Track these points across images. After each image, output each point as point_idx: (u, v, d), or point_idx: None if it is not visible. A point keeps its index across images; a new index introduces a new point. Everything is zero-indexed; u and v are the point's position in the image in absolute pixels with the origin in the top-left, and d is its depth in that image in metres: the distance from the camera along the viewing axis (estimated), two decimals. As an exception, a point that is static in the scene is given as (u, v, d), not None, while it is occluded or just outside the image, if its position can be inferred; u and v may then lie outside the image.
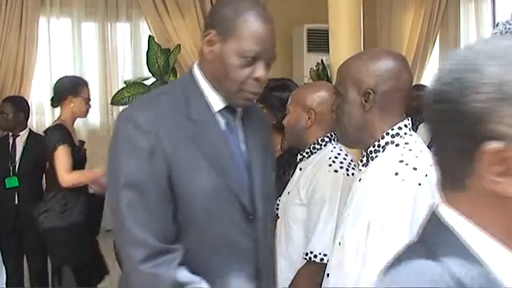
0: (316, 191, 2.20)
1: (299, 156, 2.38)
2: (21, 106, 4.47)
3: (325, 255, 2.10)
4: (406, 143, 1.71)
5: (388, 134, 1.73)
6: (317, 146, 2.32)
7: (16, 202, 4.32)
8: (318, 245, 2.13)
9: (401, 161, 1.62)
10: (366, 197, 1.67)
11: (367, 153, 1.77)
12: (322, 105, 2.32)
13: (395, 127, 1.73)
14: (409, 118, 1.79)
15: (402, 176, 1.59)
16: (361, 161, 1.81)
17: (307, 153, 2.34)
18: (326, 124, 2.32)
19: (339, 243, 1.79)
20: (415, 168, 1.60)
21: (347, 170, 2.22)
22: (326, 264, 2.05)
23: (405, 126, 1.75)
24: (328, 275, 1.85)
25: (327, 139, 2.33)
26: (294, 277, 2.21)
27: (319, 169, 2.24)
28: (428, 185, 1.57)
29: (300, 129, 2.36)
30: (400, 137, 1.72)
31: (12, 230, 4.28)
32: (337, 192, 2.16)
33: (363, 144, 1.80)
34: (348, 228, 1.72)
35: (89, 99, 4.06)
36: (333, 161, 2.25)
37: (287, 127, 2.43)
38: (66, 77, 4.49)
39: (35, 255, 4.37)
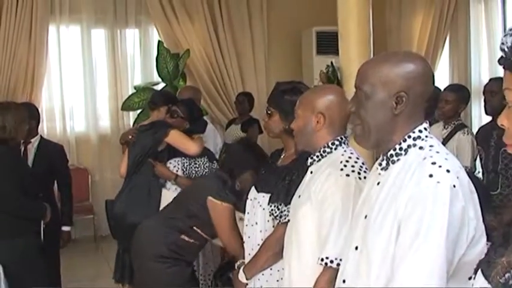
0: (328, 196, 2.17)
1: (309, 160, 2.35)
2: (32, 113, 4.48)
3: (341, 260, 2.06)
4: (431, 146, 1.67)
5: (409, 137, 1.70)
6: (327, 150, 2.29)
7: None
8: (333, 250, 2.10)
9: (433, 163, 1.58)
10: (392, 200, 1.63)
11: (387, 156, 1.73)
12: (331, 109, 2.29)
13: (416, 130, 1.70)
14: (427, 121, 1.76)
15: (437, 178, 1.54)
16: (380, 164, 1.77)
17: (317, 156, 2.31)
18: (335, 128, 2.30)
19: (356, 248, 1.76)
20: (448, 171, 1.56)
21: (358, 173, 2.19)
22: None
23: (425, 129, 1.72)
24: (344, 281, 1.83)
25: (337, 142, 2.30)
26: (315, 285, 2.19)
27: (331, 173, 2.20)
28: (461, 187, 1.55)
29: (308, 132, 2.32)
30: (422, 140, 1.69)
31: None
32: (349, 197, 2.12)
33: (383, 147, 1.76)
34: (370, 233, 1.68)
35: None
36: (344, 165, 2.21)
37: (296, 131, 2.39)
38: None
39: (49, 263, 4.36)
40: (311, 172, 2.33)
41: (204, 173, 3.90)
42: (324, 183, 2.19)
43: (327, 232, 2.14)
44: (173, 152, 4.13)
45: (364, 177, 2.17)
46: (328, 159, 2.29)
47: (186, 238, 3.29)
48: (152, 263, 3.25)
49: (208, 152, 4.09)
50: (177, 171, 3.89)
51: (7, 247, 3.63)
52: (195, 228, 3.29)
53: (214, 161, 4.01)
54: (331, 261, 2.10)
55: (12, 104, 4.10)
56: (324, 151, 2.30)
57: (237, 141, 3.77)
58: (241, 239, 3.05)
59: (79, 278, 5.48)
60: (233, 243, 3.21)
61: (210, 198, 3.20)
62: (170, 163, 4.11)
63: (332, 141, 2.30)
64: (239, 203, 3.20)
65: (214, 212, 3.21)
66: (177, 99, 4.68)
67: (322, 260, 2.12)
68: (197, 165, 3.88)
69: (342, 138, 2.32)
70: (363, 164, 2.25)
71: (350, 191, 2.13)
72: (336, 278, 2.04)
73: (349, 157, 2.25)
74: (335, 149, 2.30)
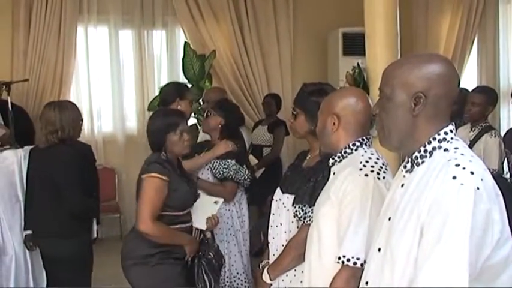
0: (347, 195, 2.16)
1: (331, 161, 2.37)
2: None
3: (358, 259, 2.08)
4: (456, 148, 1.67)
5: (435, 139, 1.69)
6: (348, 150, 2.31)
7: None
8: (350, 248, 2.11)
9: (457, 165, 1.57)
10: (416, 202, 1.63)
11: (411, 158, 1.73)
12: (346, 110, 2.31)
13: (442, 132, 1.70)
14: (453, 123, 1.75)
15: (461, 180, 1.53)
16: (405, 166, 1.77)
17: (338, 157, 2.33)
18: (352, 128, 2.32)
19: (379, 250, 1.77)
20: (472, 172, 1.54)
21: (378, 173, 2.19)
22: (359, 267, 2.05)
23: (450, 131, 1.71)
24: (367, 282, 1.83)
25: (358, 143, 2.31)
26: (331, 283, 2.20)
27: (350, 173, 2.22)
28: (485, 189, 1.54)
29: (327, 134, 2.35)
30: (447, 142, 1.69)
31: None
32: (367, 196, 2.13)
33: (407, 149, 1.76)
34: (393, 235, 1.68)
35: (192, 102, 4.17)
36: (364, 165, 2.20)
37: (317, 134, 2.44)
38: (172, 83, 4.81)
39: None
40: (333, 173, 2.34)
41: (230, 175, 3.86)
42: (343, 182, 2.21)
43: (344, 231, 2.14)
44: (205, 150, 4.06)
45: (384, 178, 2.18)
46: (349, 160, 2.30)
47: None
48: (136, 266, 3.17)
49: (240, 155, 4.03)
50: (207, 170, 3.88)
51: (66, 245, 3.72)
52: (163, 213, 3.15)
53: (244, 165, 3.94)
54: (348, 260, 2.10)
55: (66, 103, 4.13)
56: (345, 152, 2.32)
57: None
58: (161, 220, 3.09)
59: (105, 276, 5.52)
60: (143, 214, 3.05)
61: (141, 177, 3.14)
62: None
63: (353, 142, 2.31)
64: (165, 170, 3.12)
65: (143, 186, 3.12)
66: (185, 87, 4.56)
67: (339, 258, 2.13)
68: (226, 166, 3.83)
69: (363, 139, 2.33)
70: (383, 164, 2.25)
71: (368, 190, 2.14)
72: (353, 276, 2.05)
73: (369, 157, 2.26)
74: (355, 149, 2.31)
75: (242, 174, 3.88)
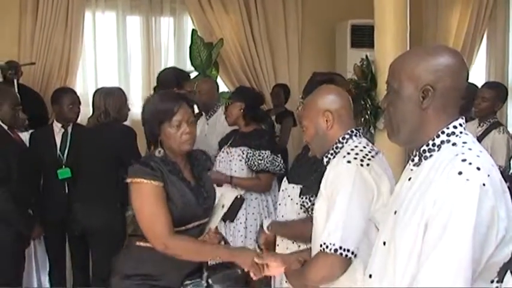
0: (331, 183, 2.17)
1: (325, 159, 2.34)
2: (78, 98, 4.65)
3: (333, 244, 2.09)
4: (464, 142, 1.64)
5: (443, 132, 1.66)
6: (339, 145, 2.30)
7: (67, 192, 4.35)
8: (328, 235, 2.11)
9: (464, 160, 1.55)
10: (421, 196, 1.60)
11: (419, 152, 1.71)
12: (334, 104, 2.31)
13: (451, 126, 1.67)
14: (463, 117, 1.72)
15: (466, 176, 1.51)
16: (412, 160, 1.75)
17: (331, 154, 2.31)
18: (345, 121, 2.31)
19: (383, 243, 1.75)
20: (478, 168, 1.52)
21: (361, 160, 2.17)
22: (333, 254, 2.08)
23: (460, 125, 1.68)
24: (370, 276, 1.82)
25: (347, 136, 2.30)
26: (306, 263, 2.23)
27: (334, 162, 2.23)
28: (491, 185, 1.52)
29: (322, 135, 2.32)
30: (456, 136, 1.66)
31: (61, 220, 4.31)
32: (348, 182, 2.12)
33: (416, 143, 1.73)
34: (398, 228, 1.67)
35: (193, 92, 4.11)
36: (348, 153, 2.21)
37: (309, 141, 2.38)
38: (172, 68, 4.99)
39: (77, 244, 4.41)
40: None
41: (266, 166, 3.81)
42: (329, 173, 2.21)
43: (327, 218, 2.15)
44: (241, 140, 4.00)
45: (368, 165, 2.17)
46: (340, 154, 2.29)
47: (142, 244, 2.53)
48: (114, 279, 2.61)
49: (272, 144, 3.99)
50: (240, 160, 3.87)
51: (115, 218, 4.03)
52: None
53: (279, 154, 3.93)
54: (327, 247, 2.11)
55: (112, 89, 4.48)
56: (337, 147, 2.31)
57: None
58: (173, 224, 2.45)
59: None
60: (154, 232, 2.43)
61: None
62: (235, 151, 3.99)
63: (342, 135, 2.30)
64: (155, 173, 2.45)
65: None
66: (186, 74, 4.54)
67: (320, 245, 2.13)
68: (261, 157, 3.79)
69: (352, 131, 2.32)
70: (369, 152, 2.24)
71: (349, 176, 2.14)
72: (329, 264, 2.11)
73: (356, 146, 2.26)
74: (346, 142, 2.30)
75: (277, 164, 3.88)
